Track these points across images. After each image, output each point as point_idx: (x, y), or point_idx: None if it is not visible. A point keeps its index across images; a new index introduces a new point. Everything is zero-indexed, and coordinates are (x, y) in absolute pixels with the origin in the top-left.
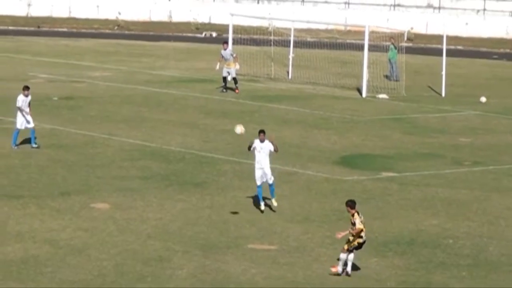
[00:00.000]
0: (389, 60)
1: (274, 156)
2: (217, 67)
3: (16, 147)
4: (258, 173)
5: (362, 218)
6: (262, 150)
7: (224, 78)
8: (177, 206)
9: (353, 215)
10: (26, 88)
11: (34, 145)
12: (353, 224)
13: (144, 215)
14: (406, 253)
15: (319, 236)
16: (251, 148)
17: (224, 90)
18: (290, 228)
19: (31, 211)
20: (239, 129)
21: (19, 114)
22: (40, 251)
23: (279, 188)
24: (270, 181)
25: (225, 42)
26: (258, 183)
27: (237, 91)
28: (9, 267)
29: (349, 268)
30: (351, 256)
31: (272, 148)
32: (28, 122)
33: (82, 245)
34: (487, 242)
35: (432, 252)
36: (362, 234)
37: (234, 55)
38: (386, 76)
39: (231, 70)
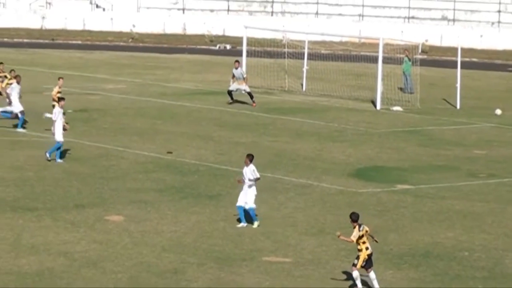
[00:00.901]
0: (404, 72)
1: (288, 169)
2: (231, 87)
3: (61, 161)
4: (241, 194)
5: (364, 231)
6: (246, 175)
7: (229, 92)
8: (192, 219)
9: (354, 228)
10: (62, 99)
11: (48, 156)
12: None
13: (159, 227)
14: (422, 266)
15: (334, 248)
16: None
17: (231, 101)
18: (304, 240)
19: (45, 224)
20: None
21: (57, 126)
22: (55, 263)
23: (293, 201)
24: (246, 206)
25: (237, 61)
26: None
27: (254, 104)
28: (24, 279)
29: (377, 286)
30: (372, 275)
31: (252, 176)
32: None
33: (96, 258)
34: (502, 254)
35: (448, 265)
36: (366, 245)
37: (245, 75)
38: (401, 89)
39: (241, 87)
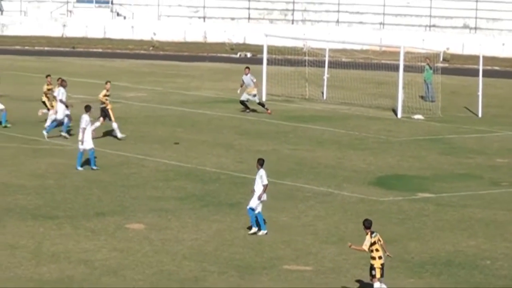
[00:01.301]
0: (425, 80)
1: (309, 177)
2: (238, 91)
3: (96, 168)
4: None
5: (376, 238)
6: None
7: (242, 102)
8: (213, 227)
9: (366, 234)
10: (89, 107)
11: (94, 167)
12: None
13: (179, 235)
14: (443, 274)
15: (354, 257)
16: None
17: (248, 111)
18: (325, 249)
19: (66, 232)
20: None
21: (87, 133)
22: (75, 271)
23: (314, 209)
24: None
25: (247, 67)
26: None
27: (269, 111)
28: (44, 287)
29: None
30: (380, 285)
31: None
32: (82, 143)
33: (117, 266)
34: None
35: (470, 273)
36: (379, 254)
37: (255, 80)
38: (422, 97)
39: (251, 95)
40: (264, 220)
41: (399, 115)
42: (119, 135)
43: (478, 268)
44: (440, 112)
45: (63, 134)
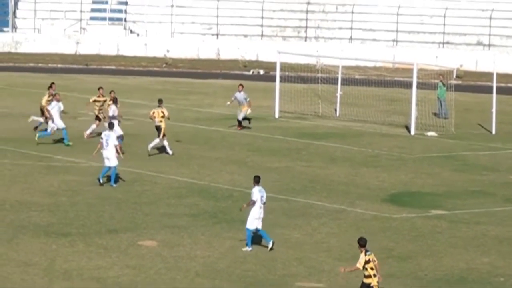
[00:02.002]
0: (438, 97)
1: (322, 194)
2: (228, 103)
3: (115, 185)
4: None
5: (370, 257)
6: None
7: (239, 121)
8: (225, 244)
9: (361, 253)
10: (112, 124)
11: (113, 184)
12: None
13: (192, 252)
14: None
15: None
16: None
17: (249, 126)
18: (338, 266)
19: (78, 249)
20: None
21: (110, 149)
22: None
23: (327, 226)
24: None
25: (241, 84)
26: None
27: (239, 128)
28: None
29: None
30: None
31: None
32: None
33: (129, 283)
34: None
35: None
36: (374, 272)
37: (248, 99)
38: (435, 114)
39: (243, 113)
40: (266, 234)
41: (413, 132)
42: (150, 146)
43: (491, 285)
44: (454, 129)
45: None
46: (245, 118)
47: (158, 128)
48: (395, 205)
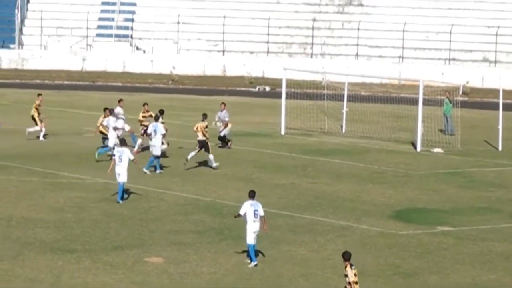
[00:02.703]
0: (444, 114)
1: (328, 211)
2: (213, 123)
3: (121, 202)
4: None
5: (355, 271)
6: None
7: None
8: (231, 261)
9: (345, 267)
10: (124, 141)
11: (120, 201)
12: (346, 276)
13: (198, 269)
14: None
15: None
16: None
17: (229, 147)
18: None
19: (84, 265)
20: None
21: (123, 166)
22: None
23: (333, 243)
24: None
25: (223, 103)
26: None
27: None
28: None
29: None
30: None
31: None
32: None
33: None
34: None
35: None
36: (358, 287)
37: (227, 119)
38: (441, 130)
39: (225, 130)
40: (256, 251)
41: (419, 148)
42: (214, 164)
43: None
44: (460, 145)
45: (146, 171)
46: (223, 138)
47: (200, 143)
48: (401, 221)
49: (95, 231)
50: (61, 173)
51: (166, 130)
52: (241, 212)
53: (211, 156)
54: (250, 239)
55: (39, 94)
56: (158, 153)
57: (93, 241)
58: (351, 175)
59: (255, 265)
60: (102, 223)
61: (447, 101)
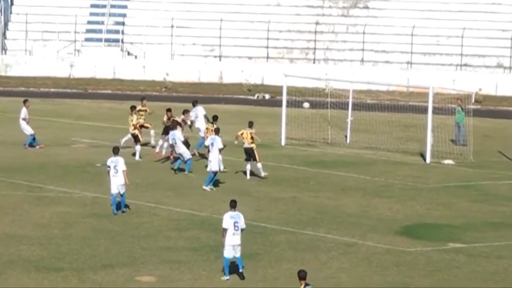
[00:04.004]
0: (457, 123)
1: (332, 226)
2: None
3: (117, 212)
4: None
5: None
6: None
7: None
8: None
9: (301, 286)
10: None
11: (120, 211)
12: None
13: None
14: None
15: None
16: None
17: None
18: None
19: (72, 285)
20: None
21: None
22: None
23: (337, 261)
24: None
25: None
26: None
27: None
28: None
29: None
30: None
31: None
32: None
33: None
34: None
35: None
36: None
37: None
38: (452, 140)
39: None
40: (240, 265)
41: (428, 160)
42: (262, 174)
43: None
44: (472, 156)
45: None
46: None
47: (247, 151)
48: (410, 238)
49: (83, 249)
50: (47, 187)
51: (224, 145)
52: (225, 226)
53: (259, 165)
54: (228, 253)
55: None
56: (216, 168)
57: (81, 259)
58: (356, 188)
59: (227, 279)
60: (91, 239)
61: (459, 109)
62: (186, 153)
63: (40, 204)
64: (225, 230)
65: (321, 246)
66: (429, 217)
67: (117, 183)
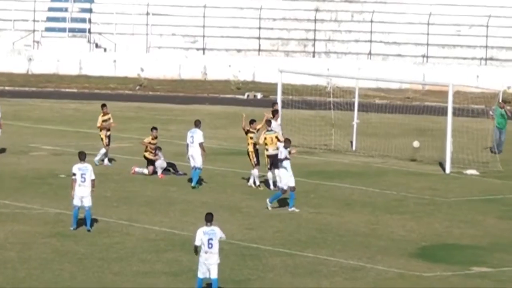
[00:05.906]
0: (499, 129)
1: (335, 248)
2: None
3: (91, 229)
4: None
5: None
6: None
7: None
8: None
9: None
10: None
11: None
12: None
13: None
14: None
15: None
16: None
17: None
18: None
19: None
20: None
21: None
22: None
23: (341, 287)
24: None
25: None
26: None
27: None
28: None
29: None
30: None
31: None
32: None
33: None
34: None
35: None
36: None
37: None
38: (490, 149)
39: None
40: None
41: (448, 170)
42: (258, 182)
43: None
44: (500, 165)
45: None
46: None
47: (270, 158)
48: (427, 261)
49: (44, 274)
50: (2, 201)
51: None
52: (197, 243)
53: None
54: (202, 273)
55: None
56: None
57: (42, 286)
58: (364, 203)
59: None
60: (53, 263)
61: (502, 112)
62: (198, 159)
63: None
64: (196, 247)
65: (323, 270)
66: (449, 236)
67: (82, 194)
